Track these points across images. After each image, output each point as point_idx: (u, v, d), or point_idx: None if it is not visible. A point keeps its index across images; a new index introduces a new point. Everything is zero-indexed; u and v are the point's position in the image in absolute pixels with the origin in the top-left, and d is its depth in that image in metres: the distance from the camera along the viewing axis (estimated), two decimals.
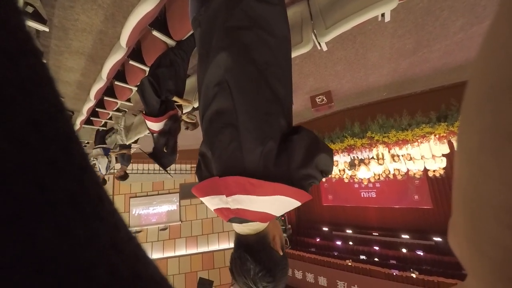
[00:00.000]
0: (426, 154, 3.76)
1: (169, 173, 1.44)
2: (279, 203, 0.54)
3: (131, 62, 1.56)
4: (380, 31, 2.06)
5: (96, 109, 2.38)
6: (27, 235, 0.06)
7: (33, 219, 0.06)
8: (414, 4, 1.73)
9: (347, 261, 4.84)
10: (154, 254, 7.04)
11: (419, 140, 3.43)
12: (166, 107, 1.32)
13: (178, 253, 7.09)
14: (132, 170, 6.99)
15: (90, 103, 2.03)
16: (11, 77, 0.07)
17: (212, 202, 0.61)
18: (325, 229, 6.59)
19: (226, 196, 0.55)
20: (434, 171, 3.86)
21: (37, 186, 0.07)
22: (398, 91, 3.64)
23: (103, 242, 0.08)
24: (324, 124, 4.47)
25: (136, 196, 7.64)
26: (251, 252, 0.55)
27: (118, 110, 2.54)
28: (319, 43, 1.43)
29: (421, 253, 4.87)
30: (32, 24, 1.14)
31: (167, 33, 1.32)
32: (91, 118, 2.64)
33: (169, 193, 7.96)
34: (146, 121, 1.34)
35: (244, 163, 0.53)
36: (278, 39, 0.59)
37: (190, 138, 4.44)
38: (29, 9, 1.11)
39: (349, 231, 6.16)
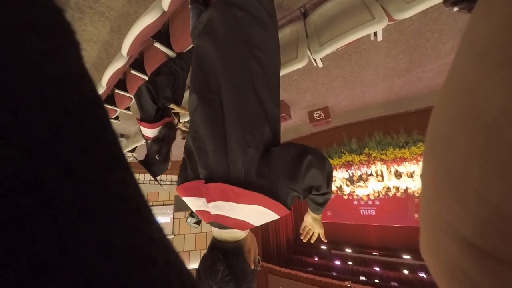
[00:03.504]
0: None
1: (160, 183, 1.41)
2: (258, 213, 0.55)
3: (132, 71, 1.61)
4: (375, 50, 2.16)
5: None
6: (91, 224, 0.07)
7: (96, 211, 0.08)
8: (406, 26, 1.83)
9: (347, 282, 4.59)
10: None
11: (417, 158, 3.43)
12: (162, 114, 1.33)
13: None
14: None
15: None
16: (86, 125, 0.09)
17: (196, 203, 0.62)
18: (324, 247, 6.34)
19: (207, 202, 0.56)
20: None
21: (93, 185, 0.08)
22: (394, 109, 3.71)
23: (124, 223, 0.09)
24: (321, 139, 4.50)
25: None
26: (225, 255, 0.55)
27: (117, 118, 2.56)
28: (314, 60, 1.49)
29: (424, 275, 4.65)
30: None
31: (168, 45, 1.38)
32: None
33: (164, 204, 7.76)
34: (141, 127, 1.34)
35: (229, 172, 0.55)
36: (269, 56, 0.65)
37: None
38: None
39: (348, 250, 5.93)
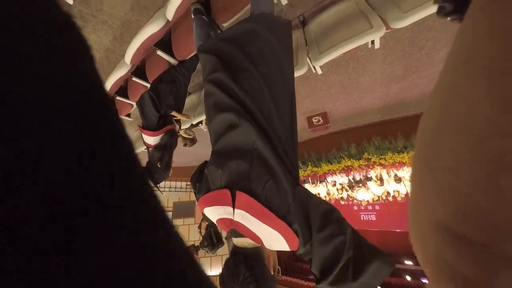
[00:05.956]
0: None
1: (160, 190, 1.40)
2: (273, 238, 0.58)
3: (134, 78, 1.62)
4: (372, 57, 2.21)
5: None
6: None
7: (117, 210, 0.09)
8: (401, 34, 1.88)
9: None
10: None
11: None
12: (164, 121, 1.33)
13: None
14: None
15: None
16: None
17: (217, 212, 0.65)
18: None
19: (235, 208, 0.59)
20: None
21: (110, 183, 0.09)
22: (391, 114, 3.77)
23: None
24: (321, 144, 4.52)
25: None
26: (246, 259, 0.58)
27: None
28: (314, 67, 1.52)
29: (427, 281, 4.59)
30: None
31: (170, 53, 1.40)
32: None
33: None
34: (143, 134, 1.34)
35: (250, 185, 0.58)
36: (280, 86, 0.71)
37: (187, 155, 4.39)
38: None
39: None
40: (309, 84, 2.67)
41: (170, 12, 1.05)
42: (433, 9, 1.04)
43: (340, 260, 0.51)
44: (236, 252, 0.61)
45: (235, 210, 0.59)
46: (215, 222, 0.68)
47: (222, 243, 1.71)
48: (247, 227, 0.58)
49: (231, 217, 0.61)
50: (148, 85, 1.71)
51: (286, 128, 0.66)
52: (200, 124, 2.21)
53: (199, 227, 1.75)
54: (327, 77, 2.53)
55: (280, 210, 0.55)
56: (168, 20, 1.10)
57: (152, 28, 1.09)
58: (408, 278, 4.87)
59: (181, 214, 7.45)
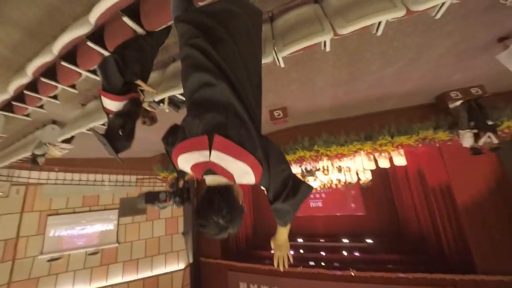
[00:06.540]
0: (359, 167, 4.58)
1: (120, 160, 1.28)
2: (243, 171, 0.71)
3: (89, 43, 1.47)
4: (325, 60, 2.58)
5: (24, 92, 1.97)
6: None
7: None
8: (348, 43, 2.28)
9: (299, 268, 5.09)
10: (78, 285, 5.59)
11: (352, 155, 4.19)
12: (129, 88, 1.27)
13: (111, 281, 5.87)
14: (56, 180, 5.70)
15: (24, 79, 1.69)
16: None
17: (191, 158, 0.71)
18: None
19: (212, 149, 0.67)
20: (363, 181, 4.73)
21: None
22: (337, 114, 4.44)
23: None
24: (280, 137, 4.92)
25: (57, 214, 6.12)
26: (219, 191, 0.69)
27: (55, 97, 2.18)
28: (278, 59, 1.72)
29: (358, 254, 5.62)
30: None
31: (138, 22, 1.34)
32: (13, 102, 2.15)
33: (105, 209, 6.70)
34: (103, 99, 1.23)
35: (227, 132, 0.68)
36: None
37: (139, 143, 4.05)
38: None
39: (300, 240, 6.56)
40: (273, 78, 2.90)
41: None
42: (371, 21, 1.33)
43: (287, 187, 0.75)
44: (210, 189, 0.71)
45: (212, 151, 0.67)
46: (188, 170, 0.75)
47: (190, 201, 1.87)
48: (221, 165, 0.68)
49: (206, 159, 0.69)
50: (105, 53, 1.55)
51: (255, 97, 0.81)
52: (161, 104, 2.13)
53: (170, 182, 1.81)
54: (289, 74, 2.80)
55: (251, 149, 0.68)
56: None
57: None
58: (345, 253, 5.84)
59: (130, 211, 6.71)
